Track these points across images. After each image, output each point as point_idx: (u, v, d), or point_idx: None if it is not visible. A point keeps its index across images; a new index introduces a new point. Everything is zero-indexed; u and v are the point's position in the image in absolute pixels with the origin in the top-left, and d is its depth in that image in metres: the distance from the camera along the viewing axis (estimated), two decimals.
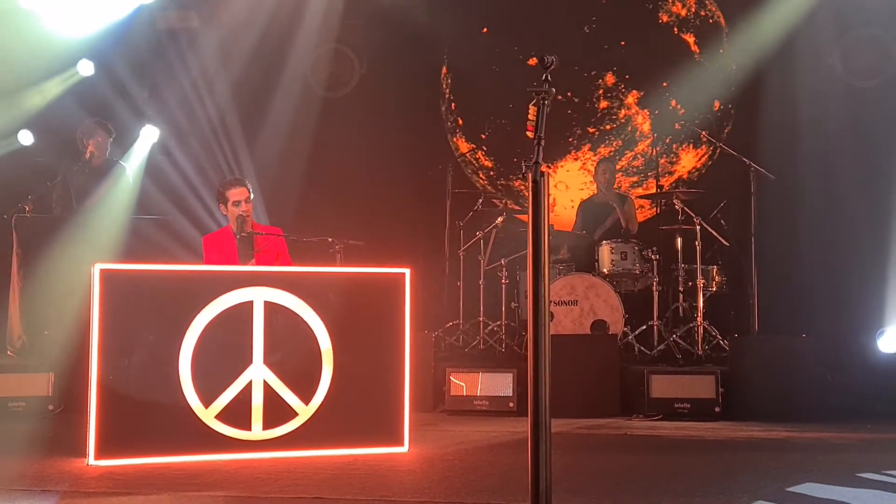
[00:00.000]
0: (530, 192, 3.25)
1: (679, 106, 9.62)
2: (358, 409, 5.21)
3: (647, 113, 9.82)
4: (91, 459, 4.82)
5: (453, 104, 10.21)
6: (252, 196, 6.56)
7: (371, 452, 5.16)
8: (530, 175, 3.19)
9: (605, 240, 8.09)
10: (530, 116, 3.32)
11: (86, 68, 8.66)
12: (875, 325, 7.35)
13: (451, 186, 8.72)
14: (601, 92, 9.83)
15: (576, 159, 9.88)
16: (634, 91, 9.79)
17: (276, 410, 5.08)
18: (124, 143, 8.49)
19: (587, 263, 8.08)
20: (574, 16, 9.79)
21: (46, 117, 8.58)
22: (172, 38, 9.31)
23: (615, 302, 7.74)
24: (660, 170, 9.11)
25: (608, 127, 9.86)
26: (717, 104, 9.59)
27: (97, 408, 4.82)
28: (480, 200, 8.45)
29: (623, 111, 9.83)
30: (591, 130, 9.85)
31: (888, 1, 8.41)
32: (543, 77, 3.43)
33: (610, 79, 9.81)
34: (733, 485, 4.55)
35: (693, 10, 9.81)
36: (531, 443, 3.28)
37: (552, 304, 7.74)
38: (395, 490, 4.54)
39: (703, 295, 7.65)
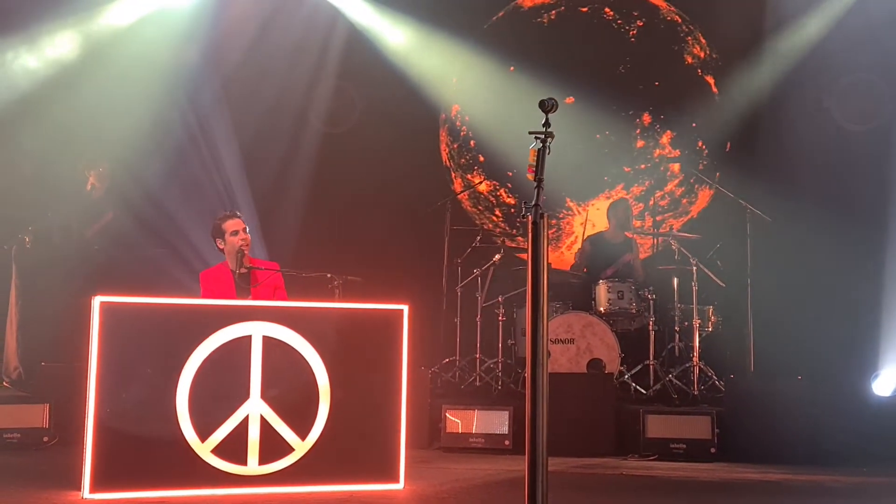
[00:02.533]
0: (529, 234, 3.30)
1: (704, 146, 9.75)
2: (354, 445, 5.22)
3: (679, 153, 9.92)
4: (86, 493, 4.81)
5: (472, 142, 10.22)
6: (248, 228, 6.58)
7: (366, 489, 5.16)
8: (530, 217, 3.24)
9: (618, 277, 8.14)
10: (531, 160, 3.38)
11: None
12: (870, 367, 7.36)
13: (449, 223, 8.77)
14: (638, 132, 9.92)
15: (607, 198, 9.83)
16: (669, 131, 9.88)
17: (273, 445, 5.08)
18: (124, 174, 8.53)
19: (584, 302, 8.12)
20: (607, 55, 9.87)
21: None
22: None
23: (611, 341, 7.77)
24: (679, 209, 9.17)
25: (643, 166, 9.93)
26: (728, 145, 9.69)
27: (93, 440, 4.82)
28: (479, 237, 8.50)
29: (658, 150, 9.92)
30: (626, 169, 9.93)
31: (882, 47, 8.52)
32: (544, 121, 3.50)
33: (647, 118, 9.90)
34: None
35: (707, 51, 9.93)
36: (528, 482, 3.30)
37: (549, 342, 7.76)
38: None
39: (699, 335, 7.68)
